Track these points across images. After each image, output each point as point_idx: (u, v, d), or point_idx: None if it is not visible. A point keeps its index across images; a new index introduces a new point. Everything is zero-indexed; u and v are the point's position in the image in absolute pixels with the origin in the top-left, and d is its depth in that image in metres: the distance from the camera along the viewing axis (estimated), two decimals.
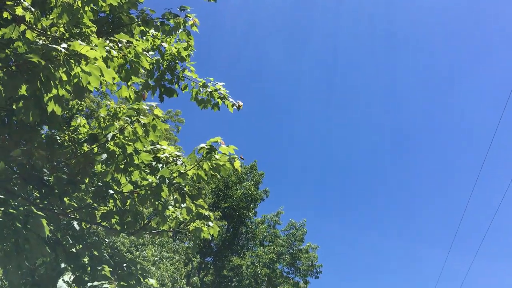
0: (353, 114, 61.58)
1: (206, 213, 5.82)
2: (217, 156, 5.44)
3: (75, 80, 3.65)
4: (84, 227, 5.93)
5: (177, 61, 7.41)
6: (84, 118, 8.21)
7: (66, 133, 6.95)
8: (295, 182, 61.17)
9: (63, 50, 3.45)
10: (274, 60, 55.48)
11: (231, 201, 29.36)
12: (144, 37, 6.94)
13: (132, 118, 4.93)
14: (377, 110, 62.42)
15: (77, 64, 3.59)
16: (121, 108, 7.61)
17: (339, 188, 64.18)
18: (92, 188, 5.28)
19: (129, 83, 6.74)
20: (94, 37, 4.61)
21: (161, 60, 7.31)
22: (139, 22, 6.75)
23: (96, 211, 5.72)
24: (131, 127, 4.95)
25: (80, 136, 7.45)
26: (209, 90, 7.45)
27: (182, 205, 5.62)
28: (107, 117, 7.42)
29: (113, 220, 5.44)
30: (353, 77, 58.06)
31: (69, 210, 5.38)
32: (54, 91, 3.65)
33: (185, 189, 5.44)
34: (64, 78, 3.58)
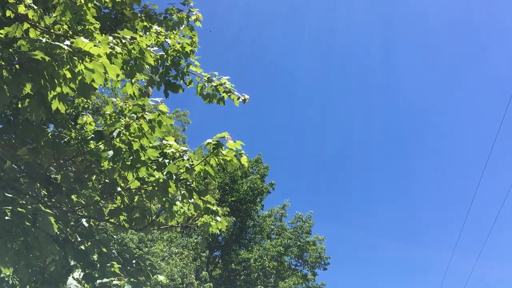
0: (366, 105, 61.31)
1: (214, 208, 5.81)
2: (224, 152, 5.41)
3: (79, 78, 3.63)
4: (93, 224, 5.95)
5: (181, 57, 7.38)
6: (90, 116, 8.22)
7: (73, 131, 6.96)
8: (300, 174, 61.13)
9: (66, 47, 3.43)
10: (276, 45, 55.16)
11: (237, 195, 29.41)
12: (147, 33, 6.91)
13: (138, 114, 4.91)
14: (384, 104, 62.12)
15: (80, 61, 3.56)
16: (128, 105, 7.60)
17: (344, 179, 64.04)
18: (99, 186, 5.28)
19: (133, 80, 6.73)
20: (98, 33, 4.58)
21: (165, 56, 7.27)
22: (142, 18, 6.73)
23: (104, 208, 5.73)
24: (136, 124, 4.93)
25: (86, 134, 7.47)
26: (214, 84, 7.42)
27: (190, 201, 5.62)
28: (114, 114, 7.42)
29: (121, 217, 5.44)
30: (364, 63, 57.65)
31: (77, 208, 5.38)
32: (58, 89, 3.64)
33: (192, 185, 5.43)
34: (68, 75, 3.55)
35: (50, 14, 5.23)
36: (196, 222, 6.07)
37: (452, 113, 62.18)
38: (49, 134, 6.53)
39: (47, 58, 3.33)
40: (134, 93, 6.98)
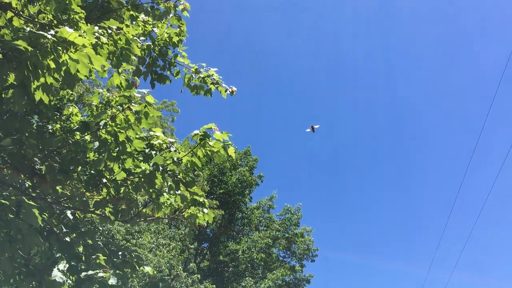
0: (353, 96, 61.43)
1: (201, 199, 5.80)
2: (211, 143, 5.40)
3: (64, 68, 3.58)
4: (79, 216, 5.91)
5: (168, 47, 7.32)
6: (76, 107, 8.14)
7: (58, 122, 6.88)
8: (289, 166, 61.27)
9: (50, 37, 3.37)
10: (268, 39, 54.95)
11: (226, 187, 29.41)
12: (134, 22, 6.82)
13: (124, 105, 4.86)
14: (376, 99, 62.37)
15: (65, 51, 3.51)
16: (114, 96, 7.52)
17: (333, 172, 64.39)
18: (85, 177, 5.23)
19: (120, 70, 6.65)
20: (83, 23, 4.52)
21: (152, 46, 7.20)
22: (129, 7, 6.64)
23: (90, 200, 5.69)
24: (123, 115, 4.89)
25: (72, 125, 7.39)
26: (202, 76, 7.38)
27: (177, 192, 5.60)
28: (100, 105, 7.35)
29: (107, 209, 5.41)
30: (357, 55, 57.68)
31: (62, 199, 5.34)
32: (42, 79, 3.58)
33: (179, 176, 5.41)
34: (52, 65, 3.50)
35: (35, 3, 5.15)
36: (183, 213, 6.06)
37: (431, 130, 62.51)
38: (34, 125, 6.45)
39: (30, 48, 3.27)
40: (121, 83, 6.91)
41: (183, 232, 22.05)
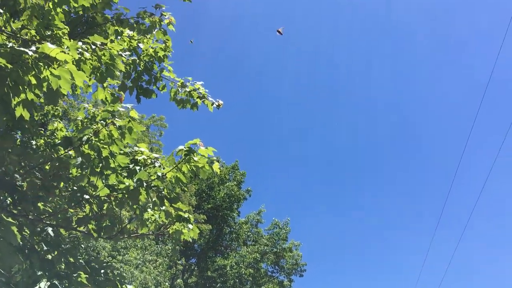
0: (337, 110, 61.85)
1: (186, 215, 5.75)
2: (196, 158, 5.38)
3: (45, 84, 3.54)
4: (63, 232, 5.80)
5: (154, 62, 7.32)
6: (61, 122, 8.07)
7: (42, 138, 6.80)
8: (277, 179, 61.22)
9: (31, 53, 3.34)
10: (255, 56, 55.31)
11: (214, 202, 29.26)
12: (119, 37, 6.81)
13: (107, 120, 4.83)
14: (359, 108, 62.90)
15: (46, 67, 3.48)
16: (100, 111, 7.48)
17: (321, 183, 64.44)
18: (67, 193, 5.16)
19: (105, 85, 6.62)
20: (66, 39, 4.50)
21: (138, 61, 7.20)
22: (114, 22, 6.63)
23: (73, 216, 5.60)
24: (106, 130, 4.85)
25: (56, 140, 7.30)
26: (188, 90, 7.37)
27: (162, 208, 5.55)
28: (86, 120, 7.29)
29: (90, 226, 5.33)
30: (338, 74, 58.25)
31: (44, 216, 5.25)
32: (22, 95, 3.54)
33: (163, 192, 5.36)
34: (34, 81, 3.47)
35: (19, 19, 5.11)
36: (168, 230, 5.99)
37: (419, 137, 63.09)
38: (18, 140, 6.36)
39: (9, 66, 3.24)
40: (106, 98, 6.88)
41: (170, 247, 21.80)
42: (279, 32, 15.38)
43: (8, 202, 5.18)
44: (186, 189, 21.87)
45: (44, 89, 3.72)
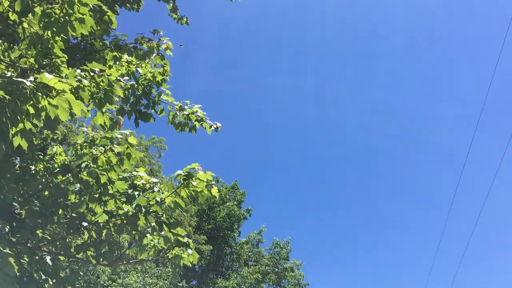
0: (339, 129, 62.00)
1: (185, 240, 5.72)
2: (194, 183, 5.38)
3: (43, 113, 3.57)
4: (62, 259, 5.77)
5: (152, 86, 7.37)
6: (60, 146, 8.08)
7: (41, 163, 6.81)
8: (277, 198, 60.96)
9: (29, 83, 3.38)
10: (258, 79, 55.73)
11: (214, 222, 29.10)
12: (118, 63, 6.88)
13: (106, 147, 4.85)
14: (357, 124, 63.09)
15: (44, 97, 3.51)
16: (99, 135, 7.52)
17: (321, 200, 64.17)
18: (66, 220, 5.15)
19: (103, 110, 6.66)
20: (65, 67, 4.54)
21: (136, 85, 7.25)
22: (112, 48, 6.70)
23: (72, 242, 5.57)
24: (104, 156, 4.86)
25: (55, 165, 7.30)
26: (186, 113, 7.40)
27: (161, 233, 5.53)
28: (85, 144, 7.32)
29: (89, 252, 5.30)
30: (336, 91, 58.59)
31: (42, 243, 5.22)
32: (20, 125, 3.57)
33: (162, 217, 5.35)
34: (32, 111, 3.50)
35: (16, 47, 5.17)
36: (167, 254, 5.95)
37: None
38: (17, 166, 6.36)
39: (7, 97, 3.27)
40: (104, 122, 6.90)
41: (171, 270, 21.60)
42: None
43: (7, 230, 5.17)
44: (185, 213, 21.80)
45: (43, 117, 3.75)
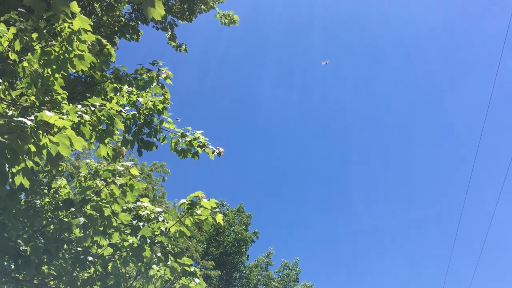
0: (342, 144, 61.89)
1: (192, 269, 5.67)
2: (198, 211, 5.37)
3: (44, 151, 3.59)
4: None
5: (154, 115, 7.43)
6: (64, 179, 8.10)
7: (46, 197, 6.82)
8: (283, 220, 60.51)
9: (30, 123, 3.41)
10: (263, 92, 56.03)
11: (222, 247, 28.87)
12: (118, 93, 6.96)
13: (108, 180, 4.86)
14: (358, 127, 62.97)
15: (45, 134, 3.54)
16: (102, 166, 7.55)
17: (327, 220, 63.56)
18: (71, 255, 5.12)
19: (106, 141, 6.71)
20: (65, 103, 4.60)
21: (137, 115, 7.31)
22: (112, 79, 6.79)
23: (78, 277, 5.53)
24: (107, 189, 4.86)
25: (60, 198, 7.31)
26: (188, 139, 7.44)
27: (167, 263, 5.49)
28: (88, 175, 7.34)
29: (95, 287, 5.25)
30: (345, 106, 58.72)
31: (48, 279, 5.19)
32: (22, 164, 3.59)
33: (168, 248, 5.31)
34: (33, 149, 3.52)
35: (17, 84, 5.24)
36: (175, 285, 5.90)
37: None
38: (22, 201, 6.37)
39: (6, 137, 3.30)
40: (108, 153, 6.94)
41: None
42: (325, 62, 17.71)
43: (12, 267, 5.14)
44: (189, 242, 21.62)
45: (44, 155, 3.78)
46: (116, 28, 12.12)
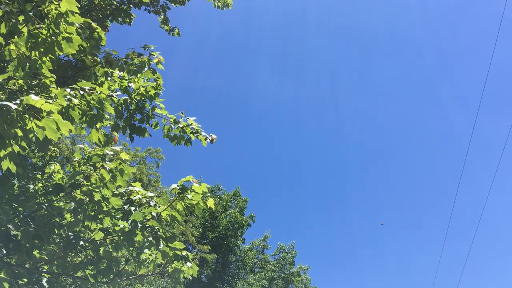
0: (337, 134, 61.99)
1: (184, 253, 5.68)
2: (189, 196, 5.36)
3: (31, 135, 3.56)
4: (63, 279, 5.73)
5: (146, 100, 7.37)
6: (58, 164, 8.07)
7: (40, 182, 6.79)
8: (280, 204, 60.84)
9: (15, 107, 3.37)
10: (259, 83, 55.86)
11: (218, 230, 29.03)
12: (109, 78, 6.88)
13: (97, 164, 4.83)
14: (357, 125, 63.07)
15: (31, 119, 3.51)
16: (96, 150, 7.52)
17: (323, 203, 63.97)
18: (62, 239, 5.13)
19: (98, 126, 6.66)
20: (54, 87, 4.54)
21: (129, 100, 7.24)
22: (103, 64, 6.71)
23: (71, 261, 5.54)
24: (97, 174, 4.84)
25: (54, 183, 7.29)
26: (181, 126, 7.38)
27: (159, 247, 5.50)
28: (82, 160, 7.31)
29: (87, 271, 5.27)
30: (343, 100, 58.74)
31: (40, 264, 5.20)
32: (9, 148, 3.56)
33: (159, 232, 5.32)
34: (20, 133, 3.49)
35: (8, 68, 5.18)
36: (167, 269, 5.92)
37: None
38: (16, 186, 6.34)
39: None
40: (99, 139, 6.90)
41: (172, 284, 21.51)
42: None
43: (4, 252, 5.14)
44: (182, 226, 21.73)
45: (33, 138, 3.74)
46: (108, 12, 11.97)
